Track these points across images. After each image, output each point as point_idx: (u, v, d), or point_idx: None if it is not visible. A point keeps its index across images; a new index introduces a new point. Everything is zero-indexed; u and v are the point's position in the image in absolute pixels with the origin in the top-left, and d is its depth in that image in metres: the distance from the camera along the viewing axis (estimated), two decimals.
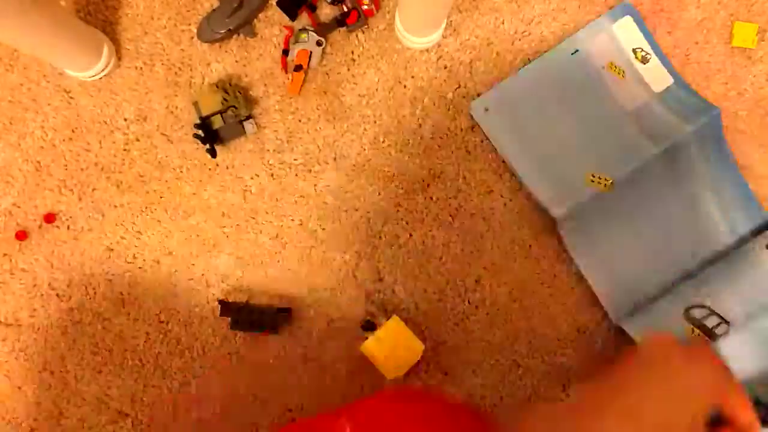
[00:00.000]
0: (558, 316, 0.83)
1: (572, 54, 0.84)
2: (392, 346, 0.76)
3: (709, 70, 0.85)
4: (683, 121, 0.82)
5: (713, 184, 0.83)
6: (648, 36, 0.84)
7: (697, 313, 0.78)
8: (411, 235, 0.84)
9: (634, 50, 0.84)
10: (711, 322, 0.78)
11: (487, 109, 0.83)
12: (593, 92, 0.84)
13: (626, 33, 0.85)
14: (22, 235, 0.83)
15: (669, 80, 0.84)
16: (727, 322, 0.77)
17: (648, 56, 0.84)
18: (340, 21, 0.83)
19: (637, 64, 0.84)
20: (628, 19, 0.84)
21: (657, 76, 0.84)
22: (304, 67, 0.82)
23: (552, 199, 0.81)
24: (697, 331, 0.78)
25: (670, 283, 0.82)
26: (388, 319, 0.78)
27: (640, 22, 0.84)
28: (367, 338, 0.77)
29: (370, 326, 0.79)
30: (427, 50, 0.84)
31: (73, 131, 0.85)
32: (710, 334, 0.78)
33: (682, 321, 0.79)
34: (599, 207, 0.82)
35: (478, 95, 0.84)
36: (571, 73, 0.84)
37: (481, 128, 0.83)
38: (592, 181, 0.81)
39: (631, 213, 0.83)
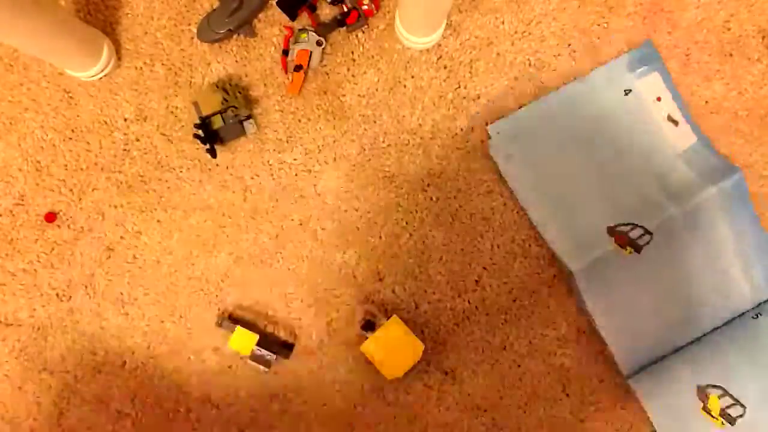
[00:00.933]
0: (558, 316, 0.83)
1: (600, 108, 0.82)
2: (392, 346, 0.76)
3: (709, 70, 0.85)
4: (707, 181, 0.80)
5: (736, 245, 0.81)
6: (674, 91, 0.83)
7: (711, 392, 0.78)
8: (411, 235, 0.84)
9: (657, 104, 0.83)
10: (725, 402, 0.77)
11: (509, 157, 0.81)
12: (619, 148, 0.83)
13: (651, 89, 0.83)
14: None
15: (692, 138, 0.82)
16: (743, 405, 0.77)
17: (673, 114, 0.82)
18: (340, 21, 0.83)
19: (661, 121, 0.82)
20: (655, 75, 0.83)
21: (681, 134, 0.82)
22: (304, 67, 0.82)
23: (570, 253, 0.80)
24: (711, 412, 0.77)
25: (684, 343, 0.81)
26: (388, 319, 0.78)
27: (666, 76, 0.83)
28: (367, 338, 0.77)
29: (369, 326, 0.79)
30: (427, 50, 0.84)
31: (73, 131, 0.85)
32: (725, 416, 0.77)
33: (693, 394, 0.78)
34: (617, 263, 0.81)
35: (479, 97, 0.84)
36: (598, 127, 0.83)
37: (499, 171, 0.83)
38: (618, 246, 0.80)
39: (651, 270, 0.81)
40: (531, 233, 0.83)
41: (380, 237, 0.84)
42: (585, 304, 0.81)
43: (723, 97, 0.84)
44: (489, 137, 0.83)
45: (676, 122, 0.83)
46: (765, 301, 0.82)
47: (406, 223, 0.84)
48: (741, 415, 0.77)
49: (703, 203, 0.80)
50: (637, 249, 0.80)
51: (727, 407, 0.77)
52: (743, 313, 0.81)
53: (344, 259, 0.83)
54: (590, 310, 0.81)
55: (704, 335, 0.81)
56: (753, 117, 0.84)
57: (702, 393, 0.78)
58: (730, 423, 0.77)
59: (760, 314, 0.80)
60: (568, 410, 0.82)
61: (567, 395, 0.83)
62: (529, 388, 0.82)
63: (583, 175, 0.83)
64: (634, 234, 0.80)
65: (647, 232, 0.80)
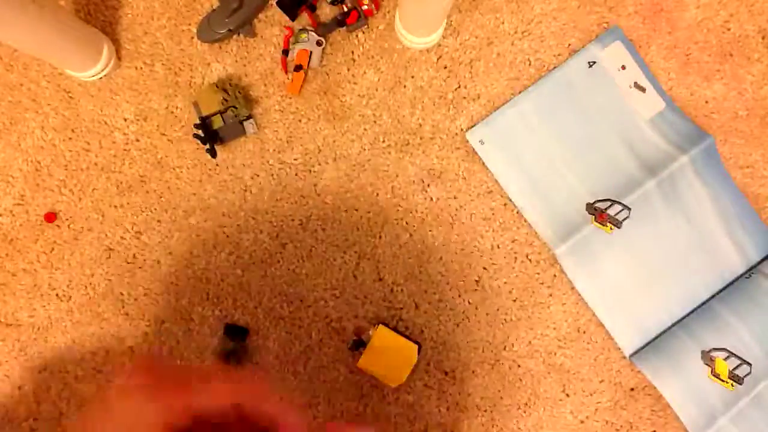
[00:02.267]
0: (558, 316, 0.83)
1: (564, 83, 0.83)
2: (387, 355, 0.77)
3: (709, 70, 0.85)
4: (678, 150, 0.81)
5: (718, 211, 0.82)
6: (638, 59, 0.83)
7: (717, 355, 0.78)
8: (411, 235, 0.84)
9: (622, 73, 0.83)
10: (731, 364, 0.78)
11: (482, 142, 0.83)
12: (587, 122, 0.83)
13: (615, 59, 0.83)
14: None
15: (661, 104, 0.83)
16: (748, 363, 0.77)
17: (639, 81, 0.83)
18: (340, 21, 0.83)
19: (627, 89, 0.83)
20: (617, 44, 0.83)
21: (648, 101, 0.83)
22: (304, 67, 0.82)
23: (552, 237, 0.81)
24: (720, 375, 0.78)
25: (681, 316, 0.82)
26: (375, 328, 0.78)
27: (630, 46, 0.84)
28: (360, 354, 0.78)
29: (357, 345, 0.80)
30: (427, 50, 0.84)
31: (73, 131, 0.85)
32: (734, 378, 0.78)
33: (699, 361, 0.78)
34: (600, 241, 0.81)
35: (479, 97, 0.84)
36: (565, 103, 0.84)
37: (480, 157, 0.83)
38: (599, 224, 0.80)
39: (634, 245, 0.82)
40: (531, 233, 0.83)
41: (380, 237, 0.84)
42: (573, 282, 0.81)
43: (723, 97, 0.84)
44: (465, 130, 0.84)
45: (643, 89, 0.83)
46: (757, 263, 0.82)
47: (406, 223, 0.84)
48: (749, 374, 0.77)
49: (676, 172, 0.80)
50: (617, 225, 0.81)
51: (735, 368, 0.78)
52: (737, 278, 0.82)
53: (344, 259, 0.83)
54: (580, 292, 0.81)
55: (702, 304, 0.82)
56: (753, 117, 0.84)
57: (707, 358, 0.78)
58: (739, 383, 0.78)
59: (753, 273, 0.81)
60: (568, 410, 0.82)
61: (567, 395, 0.83)
62: (529, 388, 0.82)
63: (557, 154, 0.83)
64: (613, 211, 0.80)
65: (625, 207, 0.80)
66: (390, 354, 0.77)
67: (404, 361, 0.78)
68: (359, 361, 0.78)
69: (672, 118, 0.83)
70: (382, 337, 0.78)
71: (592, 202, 0.82)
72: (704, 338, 0.79)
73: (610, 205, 0.80)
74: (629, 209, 0.80)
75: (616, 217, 0.80)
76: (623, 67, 0.83)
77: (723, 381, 0.78)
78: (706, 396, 0.78)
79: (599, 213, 0.80)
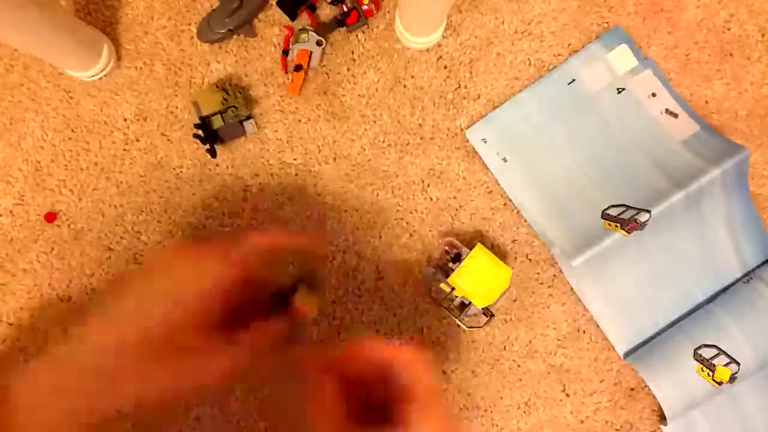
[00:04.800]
0: (558, 316, 0.83)
1: (569, 83, 0.83)
2: (479, 274, 0.75)
3: (709, 70, 0.85)
4: (711, 164, 0.78)
5: (728, 218, 0.81)
6: (670, 88, 0.83)
7: (706, 352, 0.78)
8: (411, 235, 0.84)
9: (652, 99, 0.83)
10: (720, 361, 0.78)
11: (485, 140, 0.82)
12: (611, 137, 0.82)
13: (643, 84, 0.83)
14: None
15: (695, 127, 0.82)
16: (737, 362, 0.77)
17: (671, 108, 0.82)
18: (340, 21, 0.83)
19: (659, 115, 0.82)
20: (647, 73, 0.82)
21: (681, 125, 0.82)
22: (304, 67, 0.82)
23: (569, 252, 0.80)
24: (707, 370, 0.78)
25: (676, 317, 0.82)
26: (471, 250, 0.76)
27: (657, 71, 0.83)
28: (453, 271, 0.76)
29: (458, 258, 0.77)
30: (427, 50, 0.84)
31: (73, 131, 0.85)
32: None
33: (690, 357, 0.78)
34: (617, 248, 0.80)
35: (479, 97, 0.84)
36: (578, 108, 0.83)
37: (480, 158, 0.83)
38: (609, 225, 0.79)
39: (645, 251, 0.81)
40: (531, 233, 0.83)
41: (380, 237, 0.84)
42: (573, 286, 0.82)
43: (723, 97, 0.84)
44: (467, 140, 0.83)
45: (675, 115, 0.83)
46: (756, 267, 0.82)
47: (406, 223, 0.84)
48: (735, 373, 0.77)
49: (705, 184, 0.78)
50: (639, 228, 0.79)
51: (724, 366, 0.78)
52: (734, 282, 0.82)
53: (344, 259, 0.83)
54: (578, 292, 0.82)
55: (698, 306, 0.82)
56: (753, 117, 0.84)
57: (696, 354, 0.78)
58: (729, 381, 0.78)
59: (751, 278, 0.81)
60: (568, 410, 0.82)
61: (567, 395, 0.83)
62: (529, 388, 0.82)
63: (577, 172, 0.83)
64: (627, 215, 0.79)
65: (645, 211, 0.79)
66: (483, 274, 0.75)
67: (497, 283, 0.76)
68: (451, 276, 0.75)
69: (706, 138, 0.81)
70: (478, 256, 0.76)
71: (616, 214, 0.80)
72: (698, 337, 0.79)
73: (637, 213, 0.78)
74: (649, 212, 0.78)
75: (642, 221, 0.78)
76: (653, 95, 0.83)
77: (714, 380, 0.78)
78: (691, 389, 0.78)
79: (625, 222, 0.78)
